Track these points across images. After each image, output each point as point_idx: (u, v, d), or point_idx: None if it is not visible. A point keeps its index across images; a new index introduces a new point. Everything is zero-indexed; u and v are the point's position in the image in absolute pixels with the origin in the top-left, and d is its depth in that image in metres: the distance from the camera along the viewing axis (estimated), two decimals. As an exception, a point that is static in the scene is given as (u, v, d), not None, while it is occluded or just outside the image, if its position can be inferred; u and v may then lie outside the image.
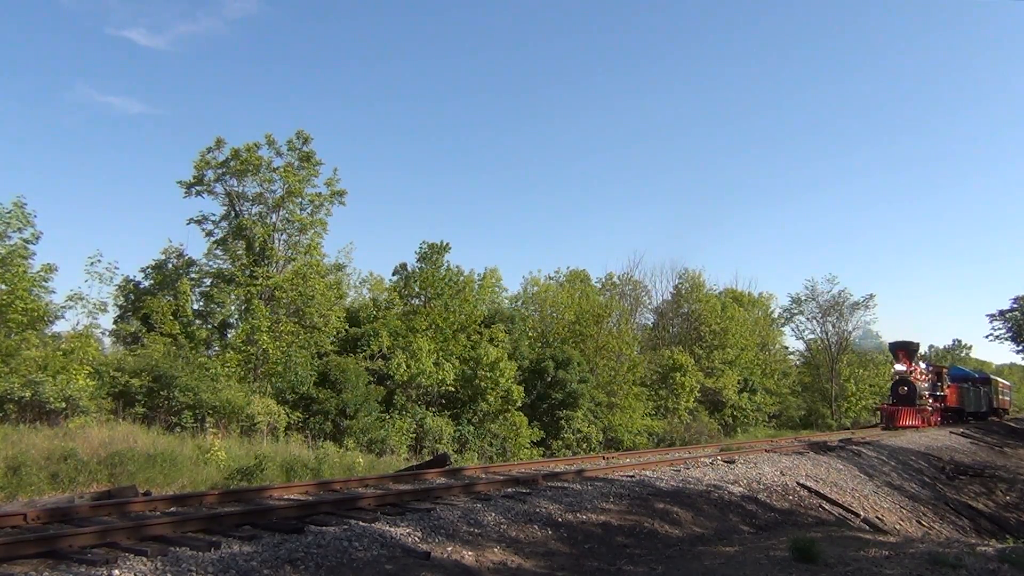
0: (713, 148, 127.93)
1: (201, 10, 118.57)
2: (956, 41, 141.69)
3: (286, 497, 10.54)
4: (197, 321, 24.36)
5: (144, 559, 6.49)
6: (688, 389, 38.61)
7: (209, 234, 26.19)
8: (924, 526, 15.76)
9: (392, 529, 8.20)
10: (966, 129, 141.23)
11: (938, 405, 38.11)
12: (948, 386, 40.42)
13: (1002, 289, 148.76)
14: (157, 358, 20.16)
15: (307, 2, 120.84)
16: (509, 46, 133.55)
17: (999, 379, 57.51)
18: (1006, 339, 47.48)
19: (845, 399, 52.75)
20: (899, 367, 36.21)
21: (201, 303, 25.61)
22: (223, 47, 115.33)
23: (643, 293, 49.17)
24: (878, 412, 37.77)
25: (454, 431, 25.76)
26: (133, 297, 24.86)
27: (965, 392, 43.49)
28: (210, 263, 26.20)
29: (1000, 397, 52.97)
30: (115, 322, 24.71)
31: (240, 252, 25.39)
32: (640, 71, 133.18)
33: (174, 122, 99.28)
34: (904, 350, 37.04)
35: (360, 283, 38.84)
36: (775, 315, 57.81)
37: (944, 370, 41.72)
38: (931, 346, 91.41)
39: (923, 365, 38.53)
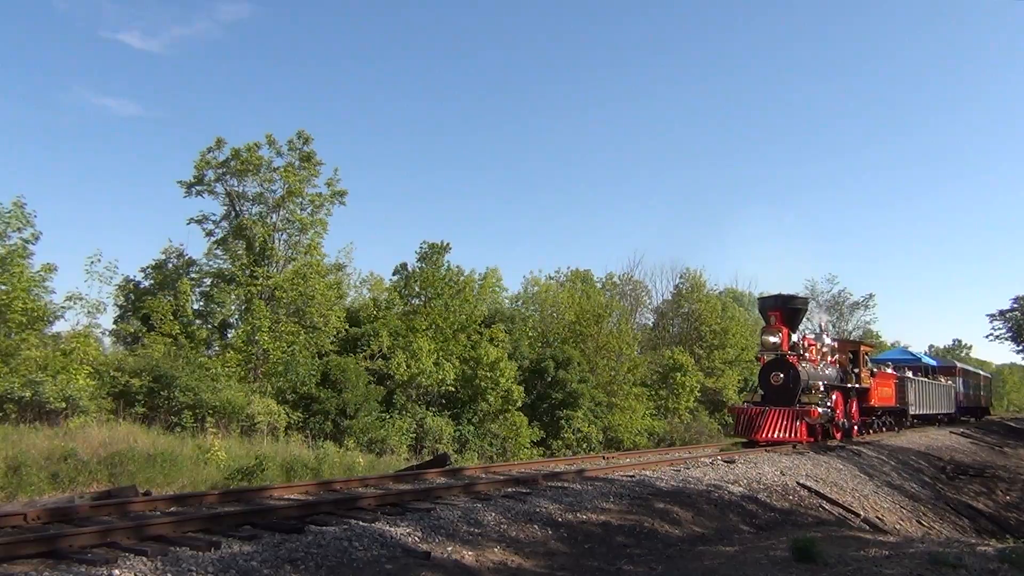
0: (713, 148, 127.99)
1: (194, 13, 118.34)
2: (956, 41, 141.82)
3: (286, 497, 10.54)
4: (197, 321, 24.42)
5: (144, 559, 6.48)
6: (688, 389, 38.61)
7: (209, 234, 26.30)
8: (924, 526, 15.75)
9: (392, 529, 8.20)
10: (966, 129, 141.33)
11: (851, 405, 23.95)
12: (875, 374, 26.21)
13: (1002, 289, 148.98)
14: (157, 358, 20.20)
15: (301, 3, 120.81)
16: (509, 45, 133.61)
17: (970, 367, 49.32)
18: (1006, 339, 47.32)
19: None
20: (771, 338, 20.24)
21: (201, 303, 25.67)
22: (218, 49, 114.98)
23: (643, 293, 49.32)
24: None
25: (454, 431, 25.76)
26: (133, 297, 24.89)
27: (908, 385, 30.36)
28: (210, 263, 26.31)
29: (973, 393, 45.32)
30: (115, 322, 24.79)
31: (240, 252, 25.44)
32: (640, 70, 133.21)
33: (171, 124, 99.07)
34: (779, 311, 20.58)
35: (360, 283, 38.96)
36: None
37: (864, 349, 26.22)
38: (931, 345, 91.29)
39: (827, 339, 23.43)
